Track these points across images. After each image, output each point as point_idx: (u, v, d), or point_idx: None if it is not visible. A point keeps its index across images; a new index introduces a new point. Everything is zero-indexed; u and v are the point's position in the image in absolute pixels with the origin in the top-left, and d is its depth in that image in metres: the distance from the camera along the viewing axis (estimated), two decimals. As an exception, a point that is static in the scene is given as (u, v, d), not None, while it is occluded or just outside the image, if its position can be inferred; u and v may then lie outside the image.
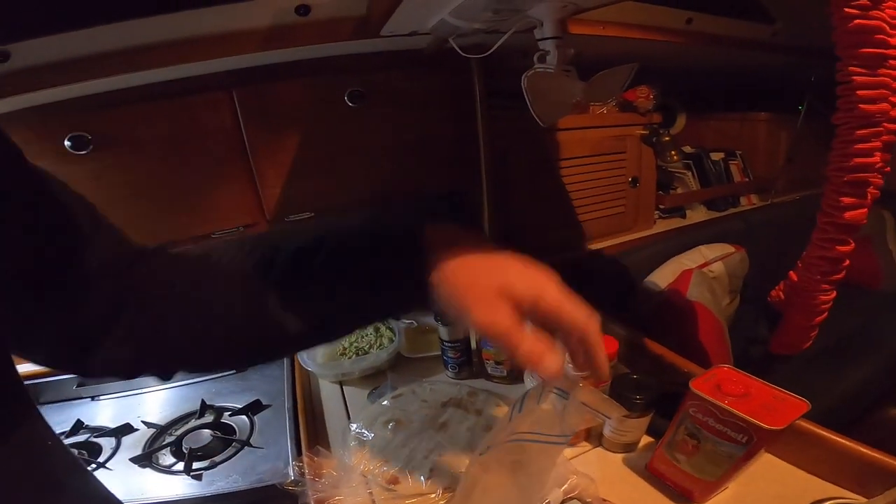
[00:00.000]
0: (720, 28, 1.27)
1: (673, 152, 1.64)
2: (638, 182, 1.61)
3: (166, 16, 0.80)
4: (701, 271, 1.37)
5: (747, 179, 1.96)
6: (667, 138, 1.62)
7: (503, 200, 1.36)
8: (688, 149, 1.87)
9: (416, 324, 0.99)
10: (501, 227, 1.36)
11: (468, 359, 0.85)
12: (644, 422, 0.65)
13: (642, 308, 1.39)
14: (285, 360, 0.97)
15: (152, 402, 1.01)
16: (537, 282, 0.42)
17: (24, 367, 1.07)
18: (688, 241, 1.59)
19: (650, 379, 0.65)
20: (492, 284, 0.41)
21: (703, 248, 1.49)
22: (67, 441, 0.89)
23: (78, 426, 0.93)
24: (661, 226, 1.76)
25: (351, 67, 1.07)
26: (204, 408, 0.93)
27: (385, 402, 0.79)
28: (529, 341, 0.40)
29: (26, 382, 0.98)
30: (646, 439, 0.68)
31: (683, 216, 1.82)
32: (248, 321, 0.44)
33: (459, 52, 0.94)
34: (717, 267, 1.45)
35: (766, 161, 1.97)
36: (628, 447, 0.68)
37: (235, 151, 1.04)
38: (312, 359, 0.90)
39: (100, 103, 0.93)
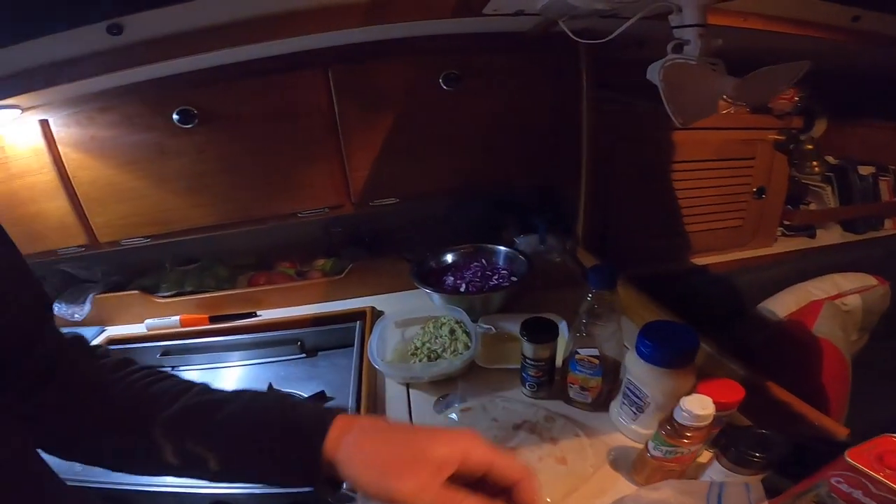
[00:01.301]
0: (894, 28, 1.06)
1: (815, 162, 1.41)
2: (764, 193, 1.40)
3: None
4: (833, 303, 1.16)
5: (899, 200, 1.65)
6: (809, 146, 1.39)
7: (602, 201, 1.25)
8: (830, 159, 1.60)
9: (494, 330, 0.91)
10: (597, 231, 1.25)
11: (549, 378, 0.76)
12: (755, 478, 0.54)
13: (754, 337, 1.21)
14: (354, 351, 0.94)
15: (226, 379, 1.03)
16: (460, 443, 0.40)
17: (115, 331, 1.14)
18: (813, 266, 1.36)
19: (777, 436, 0.53)
20: (410, 454, 0.39)
21: (836, 276, 1.26)
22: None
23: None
24: (783, 245, 1.54)
25: (447, 48, 1.01)
26: (271, 390, 0.93)
27: (452, 416, 0.73)
28: (470, 499, 0.38)
29: (116, 347, 1.04)
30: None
31: (812, 236, 1.58)
32: (128, 435, 0.46)
33: (571, 35, 0.84)
34: (853, 300, 1.22)
35: (925, 179, 1.63)
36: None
37: (327, 131, 1.02)
38: (381, 356, 0.86)
39: (206, 79, 0.95)
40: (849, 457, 0.42)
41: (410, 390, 0.83)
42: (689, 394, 0.55)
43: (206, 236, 1.11)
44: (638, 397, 0.63)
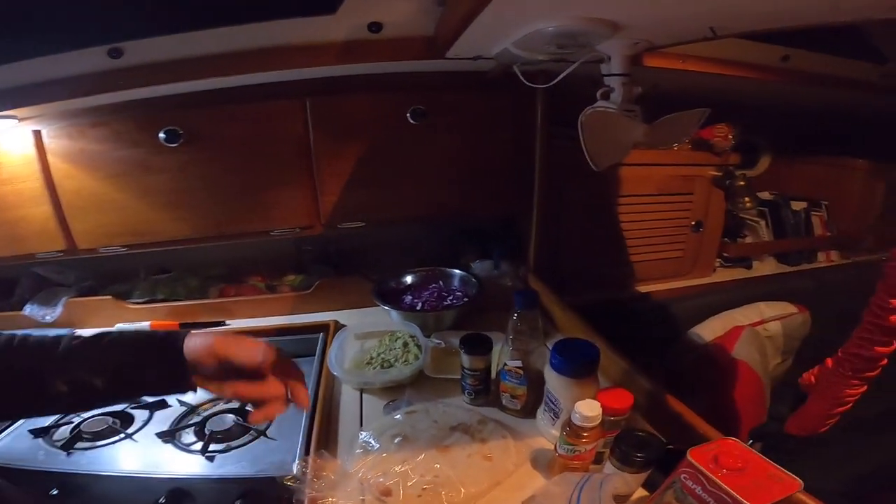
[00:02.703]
0: (820, 66, 1.18)
1: (747, 199, 1.54)
2: (702, 227, 1.53)
3: (257, 24, 0.88)
4: (754, 329, 1.29)
5: (830, 234, 1.80)
6: (741, 183, 1.53)
7: (554, 231, 1.35)
8: (766, 195, 1.75)
9: (443, 344, 1.00)
10: (549, 259, 1.35)
11: (486, 387, 0.86)
12: (640, 477, 0.64)
13: (680, 360, 1.33)
14: (315, 359, 1.02)
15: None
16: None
17: (85, 332, 1.20)
18: (748, 295, 1.47)
19: (655, 438, 0.64)
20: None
21: (762, 304, 1.39)
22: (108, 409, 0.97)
23: (118, 397, 1.02)
24: (722, 275, 1.66)
25: (416, 85, 1.11)
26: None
27: (398, 416, 0.81)
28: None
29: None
30: (640, 492, 0.67)
31: (749, 267, 1.71)
32: (16, 378, 0.54)
33: (522, 79, 0.94)
34: (774, 326, 1.35)
35: (856, 215, 1.76)
36: (621, 499, 0.66)
37: (302, 157, 1.11)
38: (339, 363, 0.94)
39: (193, 102, 1.04)
40: (690, 455, 0.51)
41: (364, 395, 0.92)
42: (587, 400, 0.65)
43: (181, 248, 1.17)
44: (554, 404, 0.73)
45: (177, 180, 1.08)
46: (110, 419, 0.93)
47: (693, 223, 1.52)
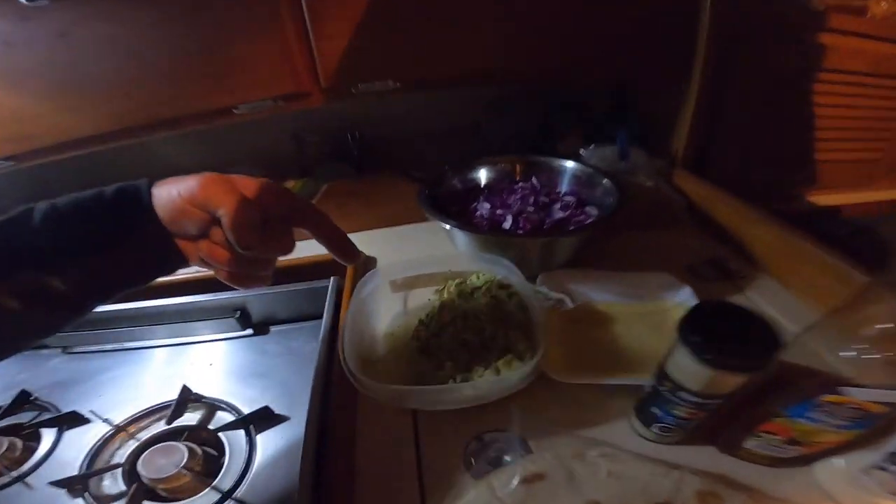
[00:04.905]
0: None
1: None
2: (922, 121, 1.02)
3: None
4: None
5: None
6: None
7: (706, 115, 0.87)
8: None
9: (570, 303, 0.51)
10: (699, 149, 0.88)
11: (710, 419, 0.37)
12: None
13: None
14: (322, 331, 0.56)
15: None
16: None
17: None
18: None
19: None
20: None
21: None
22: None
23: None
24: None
25: None
26: (186, 398, 0.55)
27: (510, 488, 0.35)
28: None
29: None
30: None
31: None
32: None
33: None
34: None
35: None
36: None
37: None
38: (366, 353, 0.47)
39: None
40: None
41: (418, 417, 0.45)
42: None
43: (108, 152, 0.72)
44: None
45: (62, 52, 0.66)
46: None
47: (910, 116, 0.98)
